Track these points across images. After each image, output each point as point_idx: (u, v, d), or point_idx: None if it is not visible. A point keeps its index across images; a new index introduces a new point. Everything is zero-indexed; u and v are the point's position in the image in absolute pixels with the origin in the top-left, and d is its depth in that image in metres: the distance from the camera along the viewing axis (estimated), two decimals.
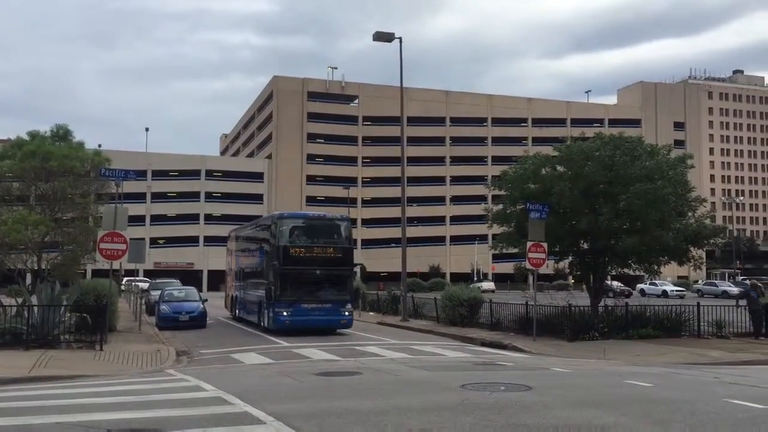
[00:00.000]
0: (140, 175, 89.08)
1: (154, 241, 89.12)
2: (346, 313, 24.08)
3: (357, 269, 25.56)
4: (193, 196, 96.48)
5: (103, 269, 22.83)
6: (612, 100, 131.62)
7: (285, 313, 23.07)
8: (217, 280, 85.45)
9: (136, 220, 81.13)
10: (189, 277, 77.99)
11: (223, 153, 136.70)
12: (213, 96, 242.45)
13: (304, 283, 23.63)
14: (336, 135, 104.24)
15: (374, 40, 30.04)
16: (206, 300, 30.04)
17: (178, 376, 13.83)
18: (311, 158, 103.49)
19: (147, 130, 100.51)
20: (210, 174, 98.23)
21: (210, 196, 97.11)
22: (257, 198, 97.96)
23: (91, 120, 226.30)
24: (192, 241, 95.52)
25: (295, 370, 14.14)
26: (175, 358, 17.67)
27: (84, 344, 18.47)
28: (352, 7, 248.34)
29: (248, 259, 29.80)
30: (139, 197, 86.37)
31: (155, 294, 32.62)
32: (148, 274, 70.55)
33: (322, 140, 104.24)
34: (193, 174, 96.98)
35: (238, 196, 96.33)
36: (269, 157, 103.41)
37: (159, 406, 9.63)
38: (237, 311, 30.95)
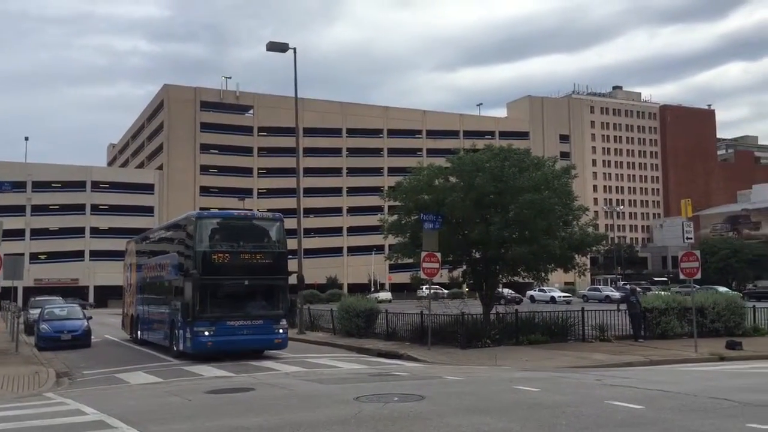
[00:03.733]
0: (18, 186, 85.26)
1: (34, 257, 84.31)
2: (281, 331, 20.52)
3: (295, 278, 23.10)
4: (78, 208, 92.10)
5: None
6: (502, 112, 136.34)
7: (206, 333, 19.27)
8: (105, 296, 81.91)
9: (14, 234, 76.74)
10: (74, 293, 74.21)
11: (110, 164, 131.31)
12: (100, 104, 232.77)
13: (229, 295, 20.09)
14: (230, 145, 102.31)
15: (268, 50, 29.71)
16: (91, 318, 28.67)
17: (58, 399, 13.09)
18: (204, 169, 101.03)
19: (27, 139, 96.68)
20: (96, 185, 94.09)
21: (96, 209, 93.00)
22: (148, 210, 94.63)
23: None
24: (77, 255, 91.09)
25: (184, 389, 13.67)
26: (55, 381, 16.75)
27: None
28: (245, 14, 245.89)
29: (155, 270, 25.15)
30: (17, 210, 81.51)
31: (35, 312, 30.77)
32: (28, 291, 66.52)
33: (216, 151, 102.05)
34: (78, 185, 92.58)
35: (127, 208, 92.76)
36: (160, 168, 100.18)
37: None
38: (140, 332, 26.59)
